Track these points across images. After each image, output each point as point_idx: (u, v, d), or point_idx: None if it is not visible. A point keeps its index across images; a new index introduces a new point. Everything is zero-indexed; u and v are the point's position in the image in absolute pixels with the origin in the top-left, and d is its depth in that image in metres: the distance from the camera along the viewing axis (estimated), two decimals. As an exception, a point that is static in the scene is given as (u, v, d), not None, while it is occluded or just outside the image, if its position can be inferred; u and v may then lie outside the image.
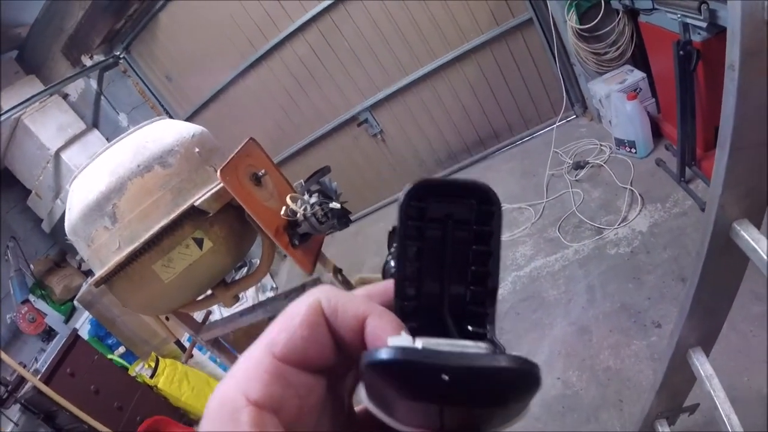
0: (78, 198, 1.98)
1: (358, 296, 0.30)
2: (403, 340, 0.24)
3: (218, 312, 3.34)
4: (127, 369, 3.58)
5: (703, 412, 1.60)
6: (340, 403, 0.32)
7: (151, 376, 3.41)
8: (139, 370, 3.56)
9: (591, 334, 2.26)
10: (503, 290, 2.76)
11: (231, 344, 2.90)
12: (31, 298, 4.50)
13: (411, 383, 0.21)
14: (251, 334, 2.73)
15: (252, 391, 0.26)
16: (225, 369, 3.68)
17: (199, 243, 1.96)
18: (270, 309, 2.52)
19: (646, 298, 2.21)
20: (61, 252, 4.92)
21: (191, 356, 2.97)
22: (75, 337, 3.27)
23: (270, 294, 3.89)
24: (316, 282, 2.33)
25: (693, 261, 1.13)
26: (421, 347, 0.22)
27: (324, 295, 0.29)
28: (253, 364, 0.28)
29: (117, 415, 3.24)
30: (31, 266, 4.65)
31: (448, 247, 0.28)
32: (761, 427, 1.60)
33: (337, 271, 2.29)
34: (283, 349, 0.27)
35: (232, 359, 2.95)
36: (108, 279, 1.95)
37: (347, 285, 2.31)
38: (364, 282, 2.49)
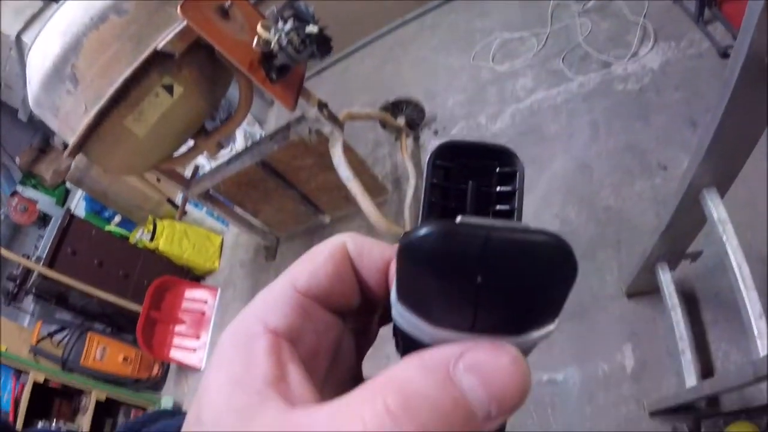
0: (35, 68, 1.85)
1: (384, 243, 0.29)
2: None
3: (208, 166, 3.26)
4: (126, 237, 3.63)
5: (705, 261, 1.57)
6: (353, 356, 0.31)
7: (151, 240, 3.47)
8: (139, 236, 3.60)
9: (592, 172, 2.18)
10: (501, 124, 2.65)
11: (223, 195, 2.87)
12: (19, 188, 4.44)
13: (448, 258, 0.19)
14: (241, 182, 2.70)
15: (271, 319, 0.25)
16: (223, 222, 3.74)
17: (169, 90, 1.83)
18: (257, 153, 2.44)
19: (653, 139, 2.08)
20: (43, 137, 4.74)
21: (185, 213, 2.95)
22: (70, 216, 3.25)
23: (260, 144, 3.80)
24: (300, 120, 2.20)
25: (719, 91, 1.00)
26: (459, 221, 0.20)
27: (349, 237, 0.28)
28: (272, 296, 0.26)
29: (124, 282, 3.37)
30: (17, 160, 4.51)
31: (471, 206, 0.27)
32: (756, 287, 1.60)
33: (323, 105, 2.14)
34: (305, 283, 0.26)
35: (226, 210, 2.94)
36: (81, 146, 1.85)
37: (334, 120, 2.18)
38: (352, 117, 2.36)
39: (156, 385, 3.41)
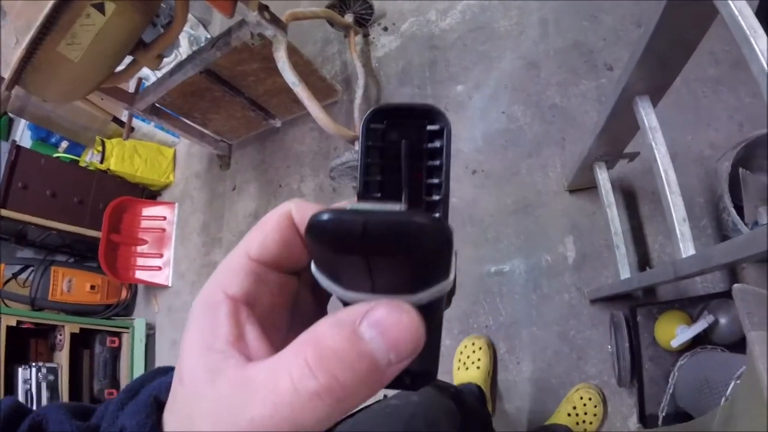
0: (-41, 6, 1.68)
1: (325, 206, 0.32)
2: None
3: (153, 77, 3.11)
4: (76, 162, 3.47)
5: (643, 162, 1.65)
6: (313, 308, 0.35)
7: (102, 161, 3.33)
8: (89, 158, 3.46)
9: (539, 70, 2.19)
10: (451, 20, 2.58)
11: (169, 108, 2.79)
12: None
13: (337, 239, 0.23)
14: (187, 92, 2.62)
15: (229, 287, 0.29)
16: (173, 135, 3.63)
17: (100, 8, 1.71)
18: (199, 62, 2.33)
19: (601, 39, 2.07)
20: (-23, 67, 4.33)
21: (132, 130, 2.84)
22: (16, 149, 3.05)
23: (205, 47, 3.58)
24: (242, 24, 2.09)
25: (653, 4, 1.01)
26: (348, 208, 0.24)
27: (294, 204, 0.31)
28: (230, 266, 0.30)
29: (80, 209, 3.26)
30: (-48, 99, 4.12)
31: (405, 164, 0.30)
32: (694, 187, 1.66)
33: (263, 8, 2.03)
34: (256, 251, 0.30)
35: (175, 123, 2.87)
36: (18, 78, 1.74)
37: (276, 23, 2.09)
38: (296, 17, 2.25)
39: (127, 308, 3.45)
